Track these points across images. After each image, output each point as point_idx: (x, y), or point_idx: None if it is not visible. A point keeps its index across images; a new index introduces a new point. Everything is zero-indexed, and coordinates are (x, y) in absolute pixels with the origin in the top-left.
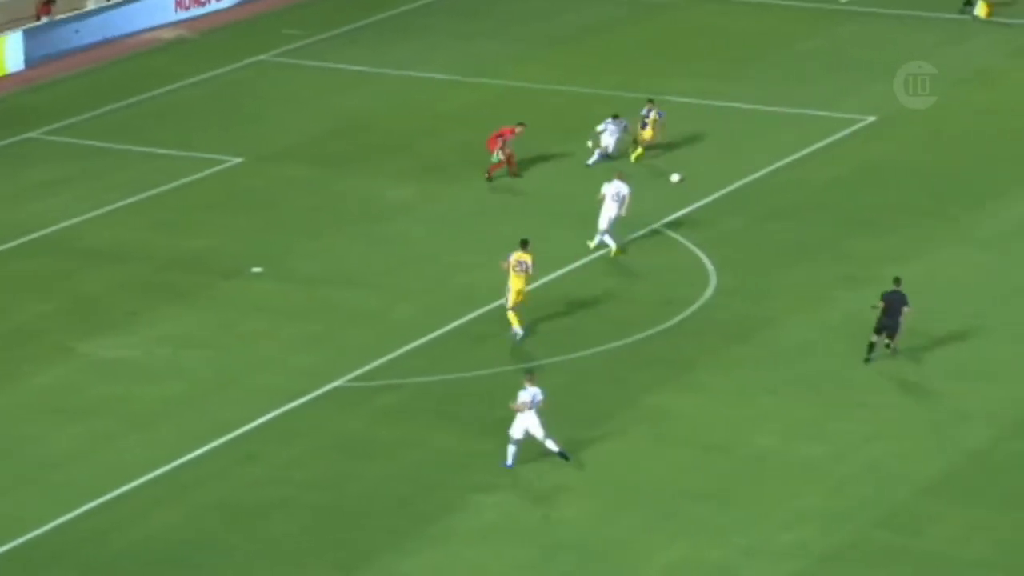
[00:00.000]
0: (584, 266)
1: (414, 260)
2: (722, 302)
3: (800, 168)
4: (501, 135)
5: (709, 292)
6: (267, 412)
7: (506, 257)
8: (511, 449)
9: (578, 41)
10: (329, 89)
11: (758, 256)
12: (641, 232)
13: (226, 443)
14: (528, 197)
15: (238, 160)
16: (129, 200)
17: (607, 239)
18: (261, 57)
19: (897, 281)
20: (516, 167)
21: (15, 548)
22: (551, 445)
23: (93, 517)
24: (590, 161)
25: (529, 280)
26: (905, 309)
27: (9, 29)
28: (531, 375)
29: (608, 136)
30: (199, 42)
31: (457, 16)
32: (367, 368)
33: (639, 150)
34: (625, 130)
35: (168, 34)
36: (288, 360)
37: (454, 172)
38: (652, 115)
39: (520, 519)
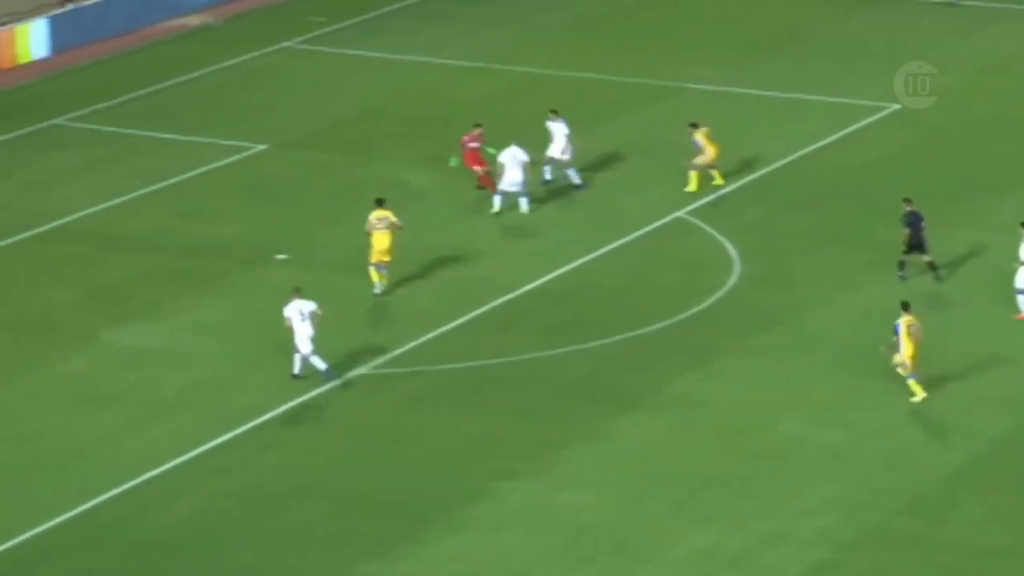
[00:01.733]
0: (608, 253)
1: (436, 246)
2: (746, 290)
3: (824, 156)
4: (473, 147)
5: (733, 279)
6: (291, 399)
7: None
8: (296, 363)
9: (597, 28)
10: (352, 76)
11: (782, 244)
12: (665, 220)
13: (249, 430)
14: (547, 184)
15: (262, 147)
16: (153, 187)
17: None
18: (286, 44)
19: (908, 201)
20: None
21: (38, 535)
22: (317, 361)
23: (117, 504)
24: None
25: (395, 234)
26: (923, 223)
27: (34, 16)
28: (298, 290)
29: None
30: (224, 29)
31: (477, 3)
32: (390, 355)
33: (697, 175)
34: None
35: (193, 21)
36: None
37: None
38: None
39: (544, 506)
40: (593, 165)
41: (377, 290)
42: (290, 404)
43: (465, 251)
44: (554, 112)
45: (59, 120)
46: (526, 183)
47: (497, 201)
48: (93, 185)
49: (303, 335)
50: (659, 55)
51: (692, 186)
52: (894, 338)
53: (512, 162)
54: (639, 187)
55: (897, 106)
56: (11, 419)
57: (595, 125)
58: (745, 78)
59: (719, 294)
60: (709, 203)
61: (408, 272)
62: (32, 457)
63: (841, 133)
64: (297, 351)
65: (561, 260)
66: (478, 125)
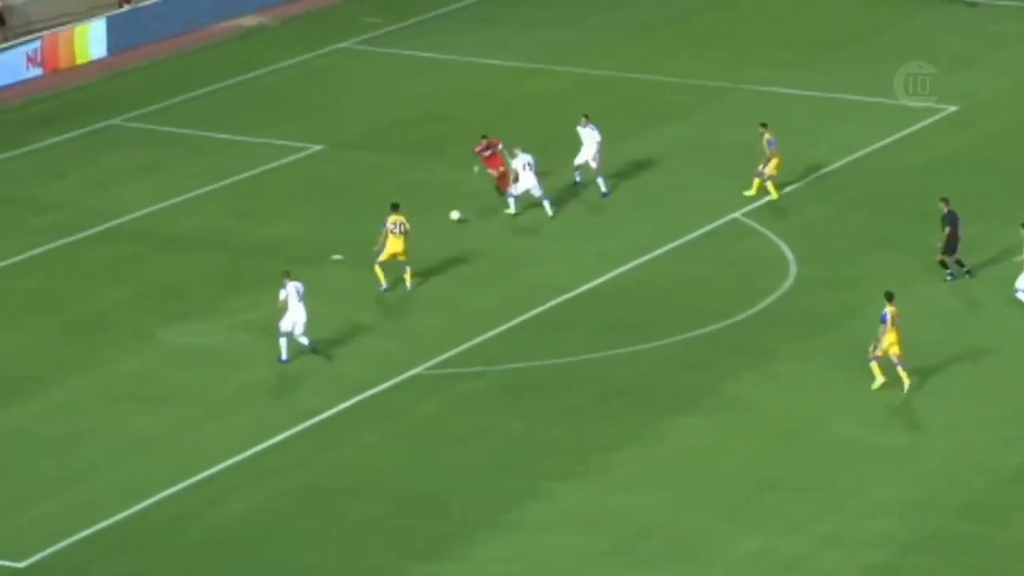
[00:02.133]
0: (664, 254)
1: (492, 247)
2: (802, 291)
3: (881, 158)
4: (491, 154)
5: (789, 282)
6: (346, 399)
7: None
8: (282, 342)
9: (652, 30)
10: (408, 77)
11: (839, 246)
12: (722, 221)
13: (305, 430)
14: (578, 187)
15: (318, 147)
16: (209, 187)
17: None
18: (342, 45)
19: (946, 201)
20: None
21: (95, 533)
22: (304, 340)
23: (172, 503)
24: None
25: (407, 240)
26: (960, 223)
27: (92, 16)
28: (288, 273)
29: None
30: (280, 29)
31: (533, 5)
32: (445, 356)
33: (761, 183)
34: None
35: (249, 21)
36: (367, 347)
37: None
38: (764, 142)
39: (597, 507)
40: (649, 167)
41: (385, 288)
42: (345, 404)
43: (521, 252)
44: (586, 117)
45: (116, 120)
46: (542, 186)
47: (512, 203)
48: (150, 185)
49: (300, 317)
50: (717, 57)
51: (753, 190)
52: (881, 326)
53: (523, 168)
54: (696, 189)
55: (954, 108)
56: (67, 418)
57: (652, 127)
58: (803, 80)
59: (775, 296)
60: (765, 205)
61: (464, 273)
62: (88, 456)
63: (898, 135)
64: (282, 334)
65: (617, 261)
66: (484, 136)
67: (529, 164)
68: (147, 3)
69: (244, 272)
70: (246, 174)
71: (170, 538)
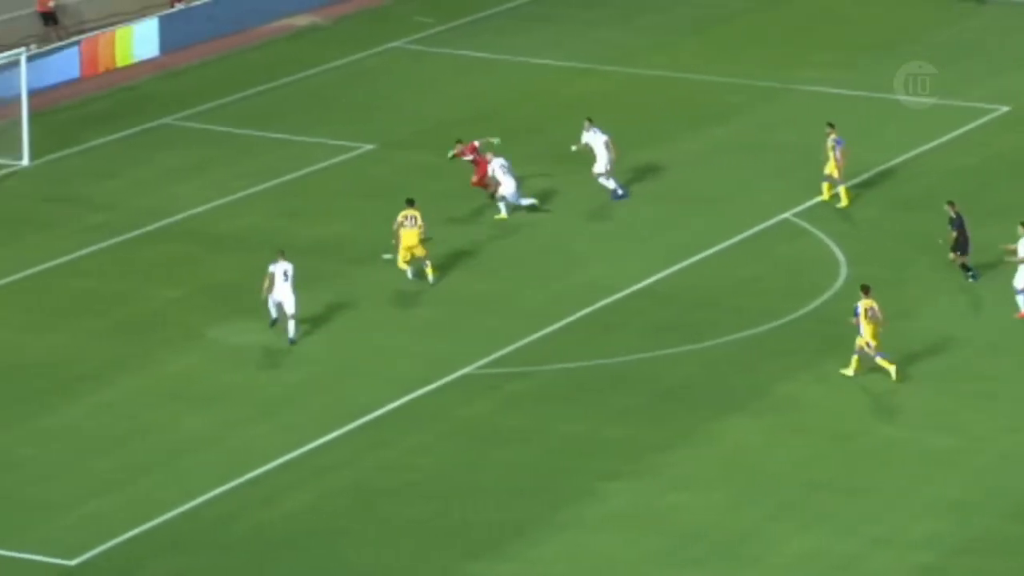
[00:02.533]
0: (715, 255)
1: (543, 247)
2: (853, 292)
3: (932, 158)
4: (468, 158)
5: (840, 282)
6: (396, 398)
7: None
8: (272, 312)
9: (703, 29)
10: (460, 76)
11: (890, 246)
12: (772, 221)
13: (355, 429)
14: (655, 184)
15: (370, 147)
16: (260, 187)
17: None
18: (393, 44)
19: (952, 204)
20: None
21: (145, 531)
22: (291, 328)
23: (222, 502)
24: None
25: (421, 233)
26: (966, 225)
27: (144, 16)
28: (282, 252)
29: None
30: (332, 29)
31: (584, 5)
32: (495, 355)
33: (833, 188)
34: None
35: (301, 21)
36: (417, 347)
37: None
38: (829, 142)
39: (648, 507)
40: (699, 167)
41: (410, 275)
42: (396, 403)
43: (571, 252)
44: (590, 121)
45: (168, 120)
46: (519, 189)
47: (503, 207)
48: (201, 184)
49: (285, 293)
50: (767, 56)
51: (825, 195)
52: (853, 319)
53: (502, 172)
54: (745, 189)
55: (1007, 108)
56: (118, 417)
57: (701, 127)
58: (854, 80)
59: (825, 296)
60: (816, 205)
61: (514, 272)
62: (139, 455)
63: (949, 135)
64: (268, 304)
65: (667, 261)
66: (459, 141)
67: (503, 166)
68: (199, 3)
69: (295, 271)
70: (297, 174)
71: (220, 536)
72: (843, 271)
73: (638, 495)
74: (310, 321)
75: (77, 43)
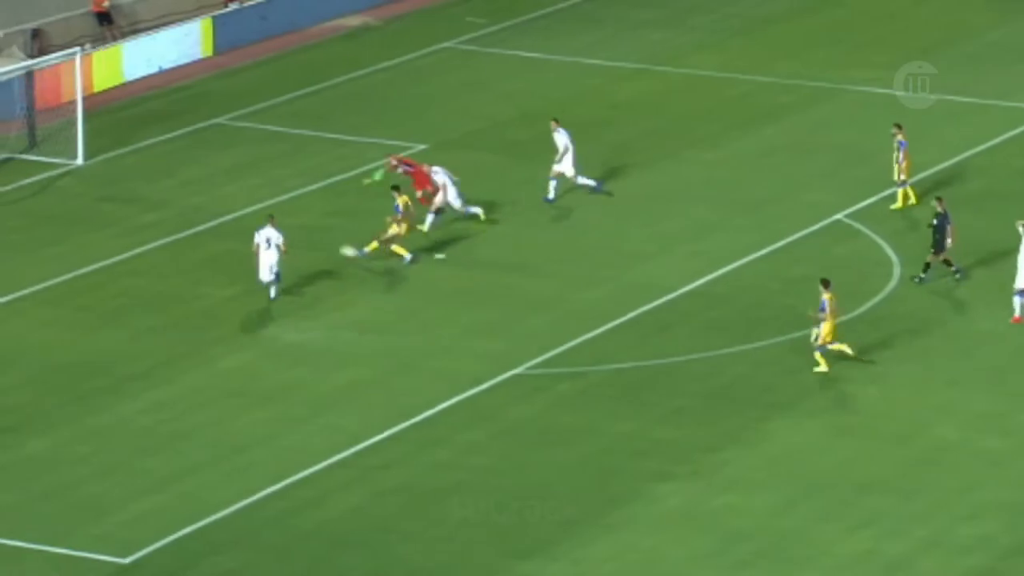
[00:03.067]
0: (768, 255)
1: (595, 248)
2: (906, 293)
3: (986, 159)
4: (412, 170)
5: (893, 283)
6: (448, 398)
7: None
8: (272, 291)
9: (755, 30)
10: (511, 76)
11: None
12: (825, 222)
13: (408, 428)
14: (706, 186)
15: (422, 147)
16: (313, 186)
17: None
18: (445, 44)
19: (940, 200)
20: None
21: (199, 529)
22: (272, 291)
23: (276, 500)
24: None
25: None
26: (949, 227)
27: (199, 15)
28: (271, 217)
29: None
30: (384, 29)
31: (635, 5)
32: (548, 355)
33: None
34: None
35: (353, 21)
36: (470, 346)
37: (635, 159)
38: (896, 144)
39: (699, 507)
40: (751, 168)
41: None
42: (448, 403)
43: (625, 252)
44: (556, 121)
45: (221, 119)
46: (461, 197)
47: (429, 219)
48: (254, 183)
49: (265, 262)
50: (819, 57)
51: (899, 203)
52: (821, 314)
53: (443, 181)
54: (798, 190)
55: None
56: (173, 415)
57: (753, 127)
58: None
59: (878, 298)
60: (869, 206)
61: (568, 272)
62: (193, 452)
63: (1004, 136)
64: (260, 271)
65: (720, 262)
66: (389, 155)
67: (448, 179)
68: (252, 3)
69: (347, 270)
70: (350, 173)
71: (273, 535)
72: (896, 272)
73: (689, 496)
74: (363, 320)
75: (132, 41)
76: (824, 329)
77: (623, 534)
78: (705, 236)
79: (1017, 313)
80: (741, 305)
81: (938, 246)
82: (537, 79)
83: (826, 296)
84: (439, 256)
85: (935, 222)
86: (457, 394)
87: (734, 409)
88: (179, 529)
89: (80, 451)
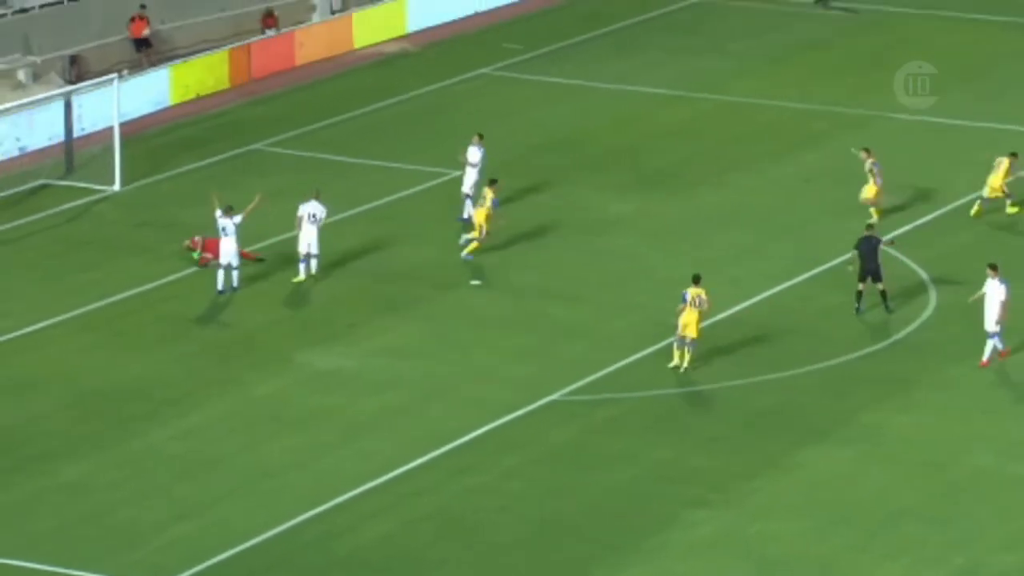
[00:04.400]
0: (803, 282)
1: (632, 274)
2: (941, 320)
3: (1021, 185)
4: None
5: (928, 311)
6: (483, 424)
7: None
8: (301, 266)
9: (794, 57)
10: (549, 103)
11: (978, 274)
12: None
13: (442, 454)
14: (744, 211)
15: (458, 173)
16: (349, 212)
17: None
18: (482, 71)
19: (870, 227)
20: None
21: (231, 556)
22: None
23: (309, 526)
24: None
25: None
26: (880, 246)
27: (236, 42)
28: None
29: None
30: (421, 55)
31: (674, 32)
32: (584, 382)
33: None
34: None
35: (391, 48)
36: (504, 372)
37: (672, 186)
38: (868, 165)
39: (734, 535)
40: (786, 194)
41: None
42: (482, 429)
43: (658, 278)
44: (480, 137)
45: (258, 145)
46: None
47: (302, 268)
48: (290, 209)
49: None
50: (855, 84)
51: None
52: (680, 305)
53: (307, 219)
54: (833, 216)
55: None
56: (206, 441)
57: (792, 154)
58: (942, 107)
59: (914, 325)
60: (907, 232)
61: (604, 298)
62: (225, 479)
63: None
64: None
65: (755, 289)
66: (192, 238)
67: (313, 216)
68: (289, 30)
69: (383, 297)
70: (386, 199)
71: (307, 561)
72: (932, 298)
73: (724, 523)
74: (397, 347)
75: (168, 67)
76: (686, 319)
77: (658, 560)
78: (740, 262)
79: (985, 357)
80: (776, 332)
81: (867, 272)
82: (575, 106)
83: (689, 290)
84: (475, 282)
85: (863, 248)
86: (491, 421)
87: (769, 436)
88: (213, 555)
89: (115, 477)
